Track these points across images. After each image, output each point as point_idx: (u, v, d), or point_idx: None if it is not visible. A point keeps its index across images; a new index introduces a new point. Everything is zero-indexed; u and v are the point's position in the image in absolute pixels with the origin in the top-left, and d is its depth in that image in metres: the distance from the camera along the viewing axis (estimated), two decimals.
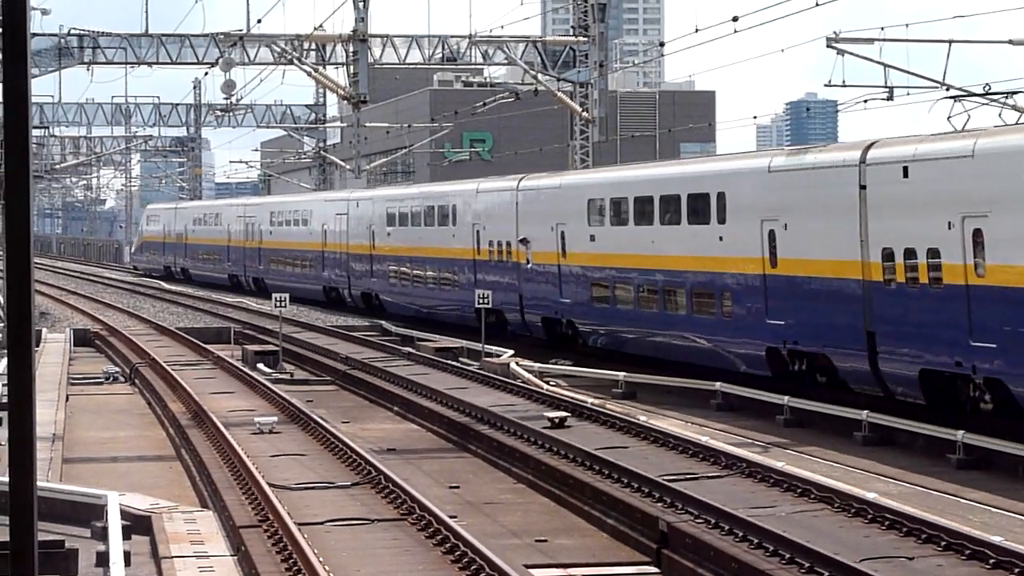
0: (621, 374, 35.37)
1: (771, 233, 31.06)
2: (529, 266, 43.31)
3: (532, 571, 17.87)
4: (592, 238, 39.41)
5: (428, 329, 49.26)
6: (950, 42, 34.68)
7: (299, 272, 67.59)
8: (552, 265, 41.83)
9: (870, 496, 19.91)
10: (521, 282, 43.95)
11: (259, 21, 50.95)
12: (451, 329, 48.10)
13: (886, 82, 36.03)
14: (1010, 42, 36.08)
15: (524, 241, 43.45)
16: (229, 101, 59.98)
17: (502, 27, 57.17)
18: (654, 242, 36.01)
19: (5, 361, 9.83)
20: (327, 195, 66.31)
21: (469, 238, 47.61)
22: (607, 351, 39.57)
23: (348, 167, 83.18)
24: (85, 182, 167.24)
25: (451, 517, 19.32)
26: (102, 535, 18.25)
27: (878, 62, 35.20)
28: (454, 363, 39.51)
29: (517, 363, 38.10)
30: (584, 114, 53.15)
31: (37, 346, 45.05)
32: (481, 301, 41.10)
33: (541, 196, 43.12)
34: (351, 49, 51.57)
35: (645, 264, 36.57)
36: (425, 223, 51.98)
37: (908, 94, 38.00)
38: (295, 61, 55.33)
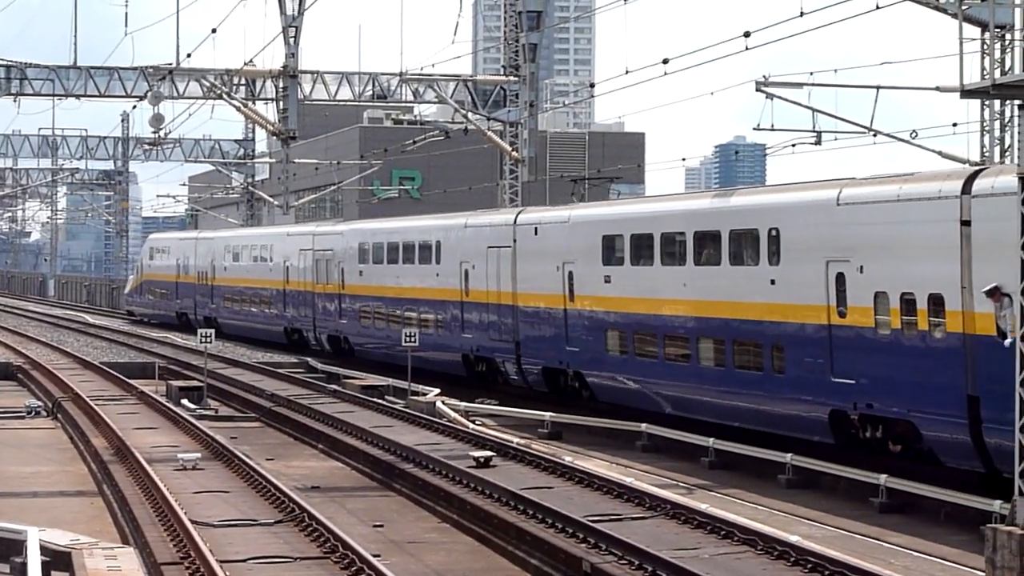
0: (547, 414, 35.31)
1: None
2: (1007, 343, 21.76)
3: None
4: None
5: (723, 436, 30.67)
6: (878, 88, 35.02)
7: (420, 330, 44.21)
8: None
9: (793, 539, 19.97)
10: (974, 371, 24.07)
11: (189, 55, 50.50)
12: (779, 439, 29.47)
13: (814, 126, 36.34)
14: (937, 88, 36.40)
15: (995, 293, 22.74)
16: (157, 135, 59.70)
17: (433, 65, 57.42)
18: None
19: None
20: (468, 218, 44.72)
21: (817, 286, 27.66)
22: None
23: (276, 203, 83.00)
24: (10, 214, 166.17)
25: (374, 556, 19.26)
26: (21, 571, 18.04)
27: (807, 107, 35.47)
28: (380, 401, 39.34)
29: (443, 402, 37.99)
30: (514, 154, 53.27)
31: None
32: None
33: None
34: (281, 84, 51.50)
35: None
36: (697, 259, 31.85)
37: (836, 139, 38.39)
38: (224, 96, 55.19)
